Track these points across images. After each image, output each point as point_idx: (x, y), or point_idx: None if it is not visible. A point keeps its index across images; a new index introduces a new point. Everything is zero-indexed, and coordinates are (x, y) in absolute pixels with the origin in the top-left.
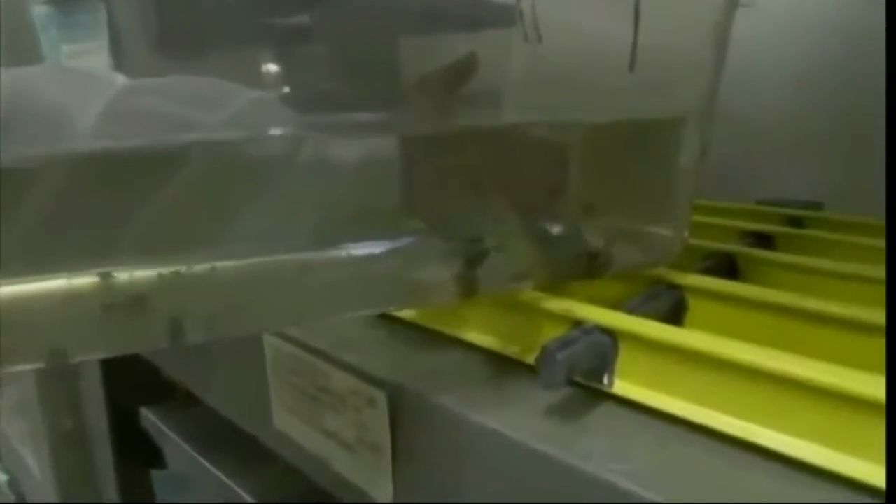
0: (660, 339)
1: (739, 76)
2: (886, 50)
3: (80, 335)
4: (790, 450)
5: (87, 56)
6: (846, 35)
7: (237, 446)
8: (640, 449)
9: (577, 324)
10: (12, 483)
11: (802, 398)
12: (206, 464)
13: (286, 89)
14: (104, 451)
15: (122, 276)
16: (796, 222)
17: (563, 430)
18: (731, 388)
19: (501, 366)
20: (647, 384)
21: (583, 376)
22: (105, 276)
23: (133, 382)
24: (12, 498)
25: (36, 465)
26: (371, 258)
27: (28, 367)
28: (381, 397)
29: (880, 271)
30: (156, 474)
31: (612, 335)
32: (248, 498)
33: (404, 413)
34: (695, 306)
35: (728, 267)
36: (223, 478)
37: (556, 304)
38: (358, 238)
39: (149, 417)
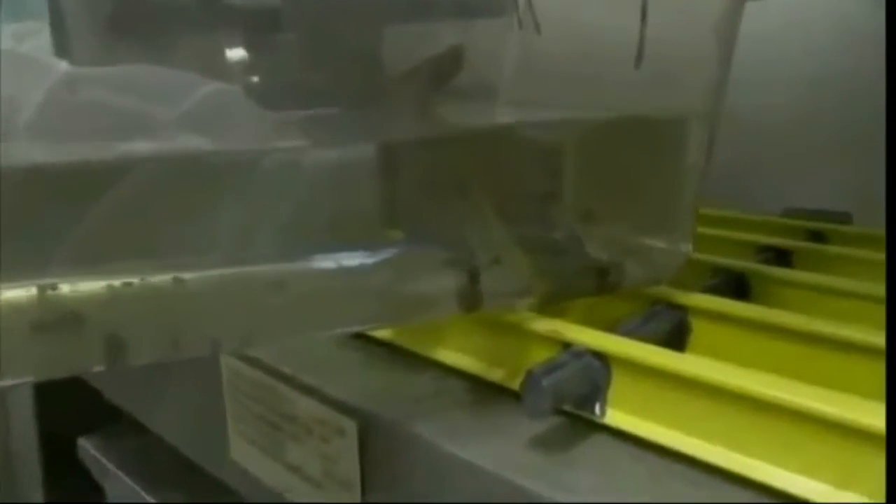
0: (657, 364)
1: (757, 76)
2: (886, 50)
3: (7, 356)
4: (798, 489)
5: (34, 37)
6: (860, 35)
7: (188, 481)
8: (631, 485)
9: (567, 346)
10: None
11: (814, 432)
12: (153, 501)
13: (252, 81)
14: (33, 485)
15: (63, 288)
16: (819, 236)
17: (549, 464)
18: (735, 420)
19: (484, 392)
20: (642, 414)
21: (572, 405)
22: (42, 290)
23: (69, 408)
24: None
25: None
26: (361, 270)
27: None
28: (350, 426)
29: None
30: None
31: (604, 360)
32: None
33: (376, 444)
34: (698, 329)
35: (737, 285)
36: None
37: (544, 325)
38: (339, 249)
39: (87, 448)
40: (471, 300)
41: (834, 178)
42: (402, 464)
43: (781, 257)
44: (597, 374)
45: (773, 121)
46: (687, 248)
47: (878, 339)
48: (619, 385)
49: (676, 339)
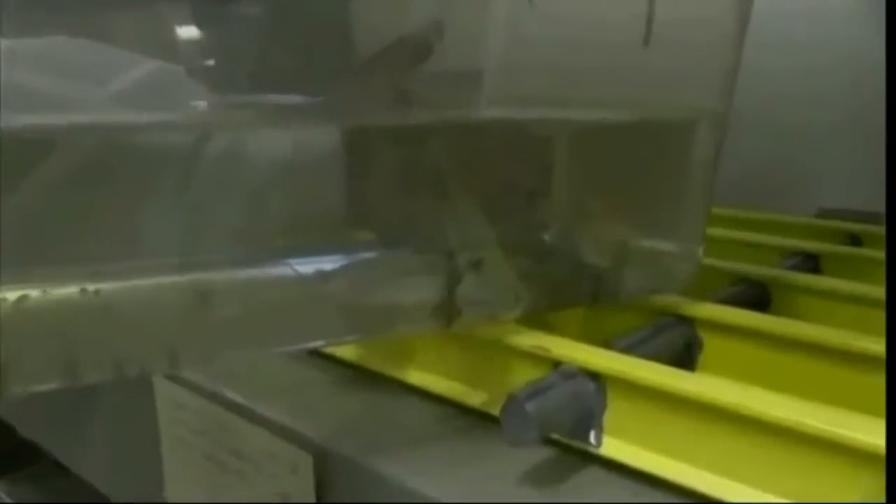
0: (661, 386)
1: (792, 70)
2: (887, 50)
3: None
4: None
5: None
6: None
7: None
8: None
9: (556, 365)
10: None
11: (843, 462)
12: None
13: (200, 60)
14: None
15: None
16: (855, 239)
17: (536, 502)
18: (751, 449)
19: (460, 419)
20: (643, 443)
21: (562, 433)
22: None
23: None
24: None
25: None
26: (320, 277)
27: None
28: (306, 461)
29: None
30: None
31: (599, 381)
32: None
33: (335, 482)
34: (711, 345)
35: (757, 295)
36: None
37: (530, 340)
38: (294, 252)
39: None
40: (448, 312)
41: (874, 177)
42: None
43: (809, 263)
44: (591, 397)
45: (809, 117)
46: (697, 253)
47: None
48: (616, 410)
49: (685, 356)
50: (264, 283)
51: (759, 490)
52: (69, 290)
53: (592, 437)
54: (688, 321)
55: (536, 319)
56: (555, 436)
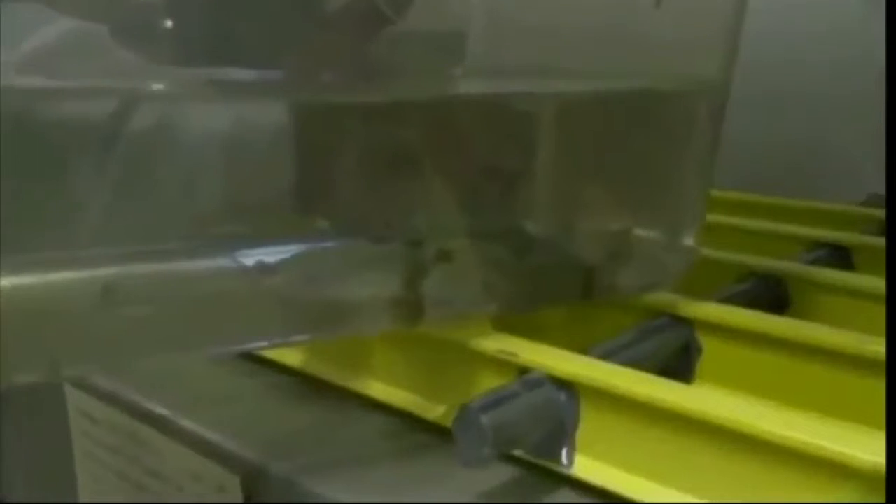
0: (644, 397)
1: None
2: (887, 50)
3: None
4: None
5: None
6: None
7: None
8: None
9: (524, 372)
10: None
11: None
12: None
13: (122, 18)
14: None
15: None
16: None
17: None
18: (750, 471)
19: (415, 435)
20: (622, 463)
21: (528, 450)
22: None
23: None
24: None
25: None
26: (260, 269)
27: None
28: (233, 484)
29: None
30: None
31: (571, 390)
32: None
33: None
34: (712, 349)
35: (773, 293)
36: None
37: (495, 344)
38: (231, 242)
39: None
40: (410, 309)
41: None
42: None
43: (838, 256)
44: (561, 409)
45: (854, 97)
46: (691, 243)
47: None
48: (591, 424)
49: (681, 363)
50: (195, 276)
51: None
52: None
53: (563, 456)
54: (685, 322)
55: (509, 322)
56: (519, 453)
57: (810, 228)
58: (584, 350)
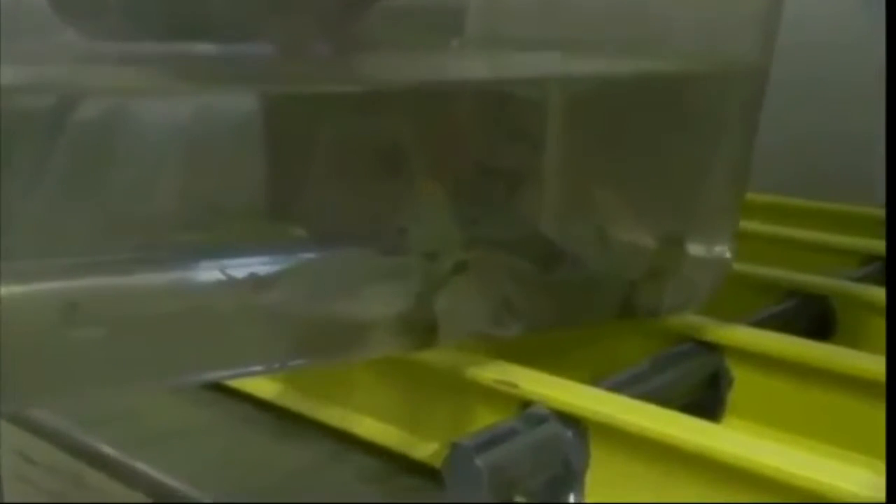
0: (663, 437)
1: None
2: (887, 50)
3: None
4: None
5: None
6: None
7: None
8: None
9: (526, 406)
10: None
11: None
12: None
13: None
14: None
15: None
16: None
17: None
18: None
19: (402, 477)
20: None
21: (530, 496)
22: None
23: None
24: None
25: None
26: (241, 285)
27: None
28: None
29: None
30: None
31: (579, 427)
32: None
33: None
34: (743, 380)
35: (817, 315)
36: None
37: (494, 374)
38: (204, 253)
39: None
40: (421, 330)
41: None
42: None
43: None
44: (568, 448)
45: None
46: (725, 254)
47: None
48: (602, 466)
49: (709, 396)
50: (174, 290)
51: None
52: None
53: (571, 500)
54: (713, 349)
55: (508, 347)
56: (519, 499)
57: (860, 239)
58: (594, 381)
